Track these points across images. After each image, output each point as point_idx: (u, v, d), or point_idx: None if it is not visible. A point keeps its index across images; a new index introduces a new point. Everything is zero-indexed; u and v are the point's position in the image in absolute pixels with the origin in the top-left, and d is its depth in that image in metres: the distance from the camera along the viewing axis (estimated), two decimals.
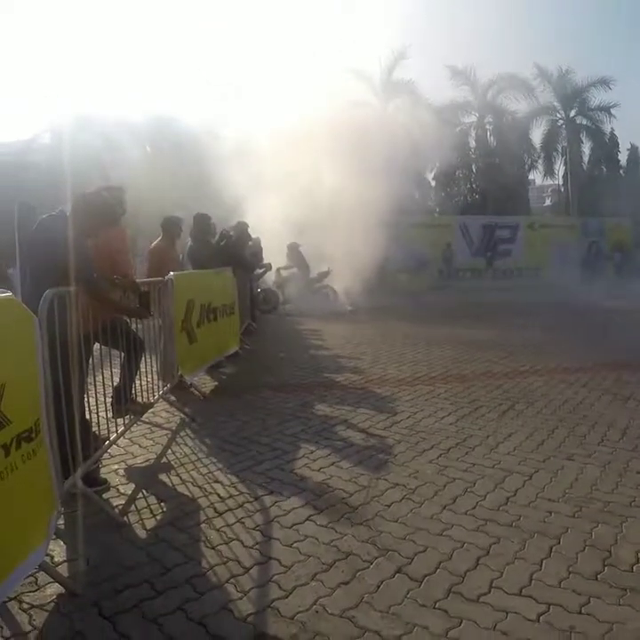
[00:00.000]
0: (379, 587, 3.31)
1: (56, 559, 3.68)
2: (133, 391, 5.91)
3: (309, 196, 18.75)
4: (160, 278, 7.00)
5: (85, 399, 4.71)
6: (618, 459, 5.38)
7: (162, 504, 4.47)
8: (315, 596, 3.22)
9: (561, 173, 44.58)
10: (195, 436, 6.14)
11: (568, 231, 33.90)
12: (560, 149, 43.12)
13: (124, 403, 5.64)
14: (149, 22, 54.81)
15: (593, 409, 7.08)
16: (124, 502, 4.53)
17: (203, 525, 4.08)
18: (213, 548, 3.74)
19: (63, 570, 3.57)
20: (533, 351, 10.91)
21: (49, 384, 3.43)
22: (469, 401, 7.43)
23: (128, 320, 5.86)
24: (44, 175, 21.50)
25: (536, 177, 47.90)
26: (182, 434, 6.23)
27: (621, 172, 45.25)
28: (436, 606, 3.14)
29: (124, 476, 5.12)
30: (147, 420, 6.50)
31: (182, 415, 6.90)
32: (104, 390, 5.62)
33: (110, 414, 5.47)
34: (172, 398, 7.42)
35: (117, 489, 4.81)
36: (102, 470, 5.12)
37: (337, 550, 3.70)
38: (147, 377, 6.41)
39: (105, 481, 4.84)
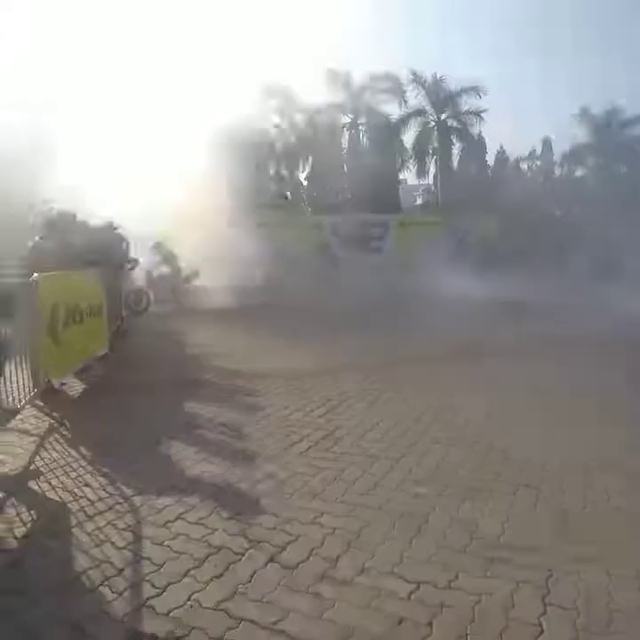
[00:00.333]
0: (252, 577, 3.34)
1: None
2: None
3: (177, 195, 18.59)
4: (24, 280, 6.80)
5: None
6: (482, 439, 5.61)
7: (32, 511, 4.35)
8: (189, 591, 3.22)
9: (432, 173, 45.74)
10: (64, 441, 5.98)
11: (437, 228, 34.79)
12: (431, 150, 44.24)
13: None
14: None
15: (458, 394, 7.35)
16: None
17: (74, 530, 3.99)
18: (86, 552, 3.66)
19: None
20: (401, 342, 11.23)
21: None
22: (338, 393, 7.55)
23: None
24: None
25: (408, 177, 49.02)
26: (51, 439, 6.04)
27: (489, 172, 46.87)
28: (310, 591, 3.20)
29: None
30: (15, 427, 6.28)
31: (51, 420, 6.70)
32: None
33: None
34: (41, 403, 7.21)
35: None
36: None
37: (208, 545, 3.71)
38: (12, 382, 6.22)
39: None
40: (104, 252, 11.39)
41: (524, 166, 50.26)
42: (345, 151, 42.57)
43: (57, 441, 5.98)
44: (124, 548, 3.73)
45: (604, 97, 56.73)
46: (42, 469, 5.18)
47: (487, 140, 46.34)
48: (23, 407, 6.45)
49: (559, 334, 11.79)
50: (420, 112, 42.88)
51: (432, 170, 45.17)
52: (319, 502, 4.32)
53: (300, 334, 12.54)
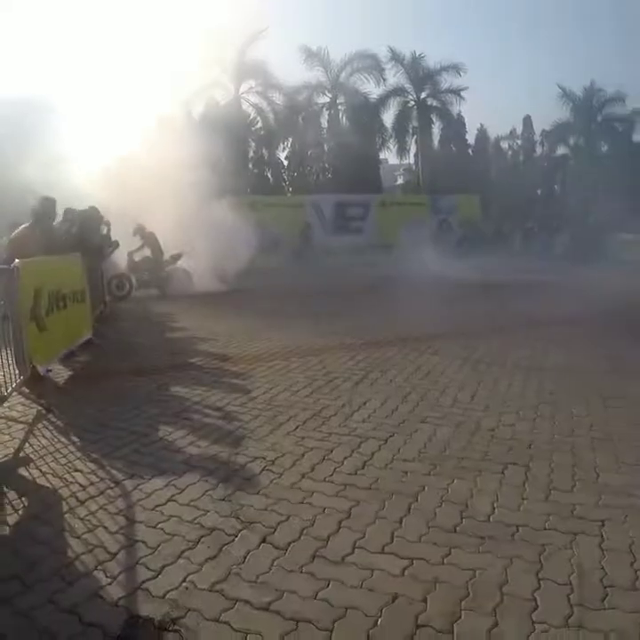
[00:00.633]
0: (245, 558, 3.36)
1: None
2: None
3: (155, 176, 18.46)
4: (3, 266, 6.77)
5: None
6: (469, 419, 5.68)
7: (23, 499, 4.33)
8: (183, 573, 3.24)
9: (412, 153, 45.72)
10: (52, 427, 5.95)
11: (418, 208, 34.85)
12: (411, 130, 44.21)
13: None
14: None
15: (444, 374, 7.40)
16: None
17: (66, 516, 3.98)
18: (78, 538, 3.66)
19: None
20: (386, 323, 11.27)
21: None
22: (324, 373, 7.58)
23: None
24: None
25: (389, 156, 49.01)
26: (40, 426, 6.00)
27: (469, 151, 46.91)
28: (303, 571, 3.22)
29: None
30: (2, 415, 6.26)
31: (38, 407, 6.65)
32: None
33: None
34: (27, 390, 7.18)
35: None
36: None
37: (201, 527, 3.72)
38: None
39: None
40: (85, 237, 11.35)
41: (504, 145, 50.37)
42: (324, 131, 42.46)
43: (45, 427, 5.94)
44: (116, 532, 3.72)
45: (584, 75, 56.65)
46: (31, 456, 5.15)
47: (467, 119, 46.40)
48: (10, 394, 6.43)
49: (538, 315, 11.91)
50: (399, 91, 42.96)
51: (413, 149, 45.16)
52: (309, 482, 4.35)
53: (283, 316, 12.57)
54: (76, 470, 4.77)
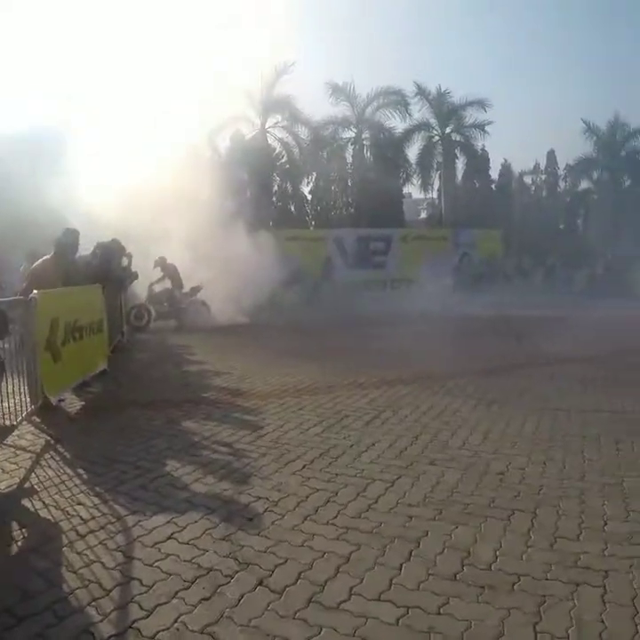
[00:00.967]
0: (239, 600, 3.31)
1: None
2: None
3: (177, 209, 18.60)
4: (21, 297, 6.83)
5: None
6: (478, 462, 5.59)
7: (23, 530, 4.32)
8: (176, 613, 3.19)
9: (436, 187, 45.85)
10: (59, 458, 5.95)
11: (440, 243, 34.80)
12: (435, 164, 44.37)
13: None
14: None
15: (457, 415, 7.33)
16: None
17: (65, 549, 3.95)
18: (75, 572, 3.63)
19: None
20: (401, 360, 11.23)
21: None
22: (335, 412, 7.54)
23: None
24: None
25: (412, 191, 49.17)
26: (47, 456, 6.01)
27: (493, 186, 46.97)
28: (296, 616, 3.16)
29: None
30: (11, 444, 6.27)
31: (47, 437, 6.67)
32: None
33: None
34: (38, 420, 7.20)
35: None
36: None
37: (198, 567, 3.68)
38: (9, 398, 6.23)
39: None
40: (107, 269, 11.45)
41: (528, 180, 50.38)
42: (349, 165, 42.67)
43: (52, 458, 5.95)
44: (113, 568, 3.69)
45: (608, 110, 56.66)
46: (36, 487, 5.14)
47: (491, 154, 46.48)
48: (20, 423, 6.46)
49: (555, 352, 11.84)
50: (424, 126, 43.13)
51: (436, 183, 45.29)
52: (311, 524, 4.29)
53: (299, 352, 12.57)
54: (79, 503, 4.74)
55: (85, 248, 11.79)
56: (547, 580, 3.48)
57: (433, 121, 43.20)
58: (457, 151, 44.36)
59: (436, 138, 43.67)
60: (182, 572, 3.62)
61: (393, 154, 42.18)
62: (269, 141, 41.07)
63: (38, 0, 40.29)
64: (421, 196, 50.35)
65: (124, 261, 14.07)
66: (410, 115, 42.35)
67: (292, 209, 42.34)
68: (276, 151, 41.30)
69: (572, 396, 8.28)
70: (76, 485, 5.16)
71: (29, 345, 6.83)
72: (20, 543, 4.13)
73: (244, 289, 18.56)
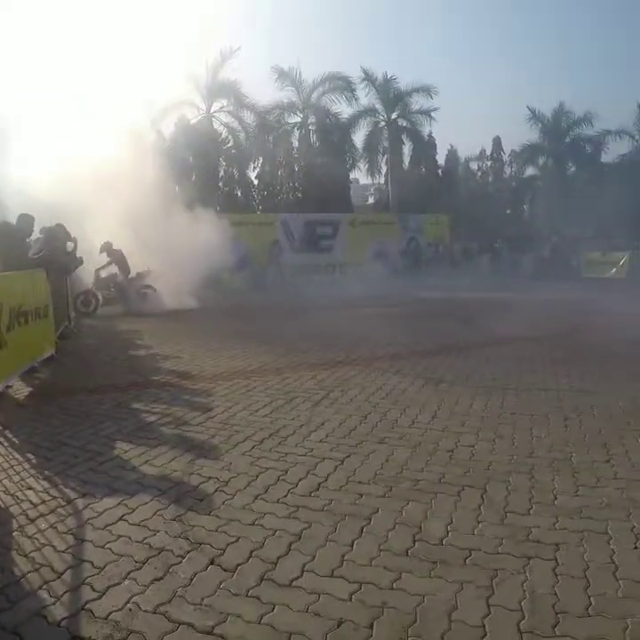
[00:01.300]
0: (191, 580, 3.30)
1: None
2: None
3: (121, 194, 18.38)
4: None
5: None
6: (428, 439, 5.63)
7: None
8: (128, 594, 3.17)
9: (383, 172, 45.95)
10: (8, 444, 5.86)
11: (388, 227, 34.91)
12: (382, 150, 44.48)
13: None
14: None
15: (406, 394, 7.37)
16: None
17: (15, 534, 3.91)
18: (26, 556, 3.59)
19: None
20: (349, 342, 11.24)
21: None
22: (284, 393, 7.54)
23: None
24: None
25: (359, 176, 49.30)
26: None
27: (440, 171, 47.26)
28: (249, 594, 3.16)
29: None
30: None
31: None
32: None
33: None
34: None
35: None
36: None
37: (149, 547, 3.65)
38: None
39: None
40: (51, 254, 11.27)
41: (474, 166, 50.82)
42: (295, 150, 42.59)
43: (1, 444, 5.86)
44: (64, 551, 3.65)
45: (553, 97, 57.36)
46: None
47: (439, 141, 46.78)
48: None
49: (501, 333, 12.02)
50: (370, 111, 43.18)
51: (383, 169, 45.40)
52: (261, 503, 4.29)
53: (247, 335, 12.54)
54: (29, 488, 4.69)
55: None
56: (498, 554, 3.51)
57: (379, 107, 43.32)
58: (404, 137, 44.53)
59: (383, 123, 43.77)
60: (134, 553, 3.60)
61: (339, 139, 42.24)
62: (215, 126, 40.85)
63: None
64: (368, 181, 50.55)
65: (70, 246, 13.85)
66: (356, 100, 42.46)
67: (239, 194, 42.15)
68: (222, 136, 41.07)
69: (520, 375, 8.37)
70: (25, 470, 5.10)
71: None
72: None
73: (191, 274, 18.44)
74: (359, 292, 21.41)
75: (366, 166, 44.96)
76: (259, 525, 3.93)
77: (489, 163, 50.37)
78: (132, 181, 18.84)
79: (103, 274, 17.74)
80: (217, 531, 3.86)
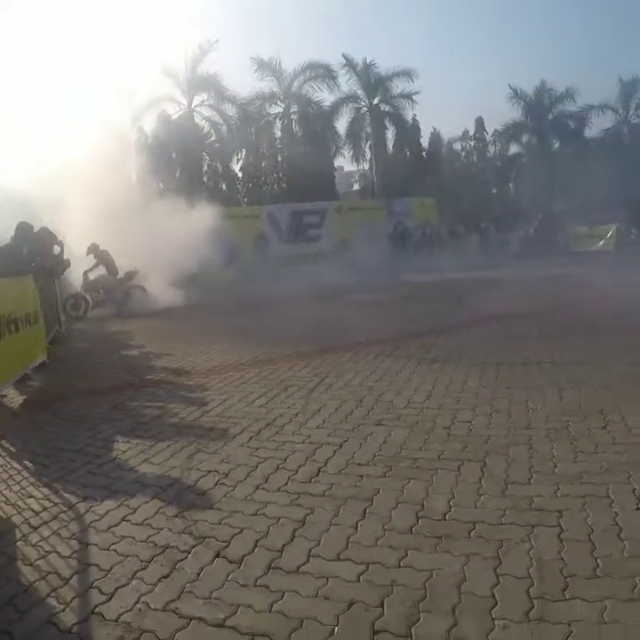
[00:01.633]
0: (199, 574, 3.30)
1: None
2: None
3: (106, 192, 18.32)
4: None
5: None
6: (425, 418, 5.66)
7: None
8: (136, 594, 3.16)
9: (367, 158, 45.89)
10: (5, 454, 5.82)
11: (374, 213, 34.89)
12: (365, 136, 44.42)
13: None
14: None
15: (400, 375, 7.41)
16: None
17: (19, 543, 3.88)
18: (31, 565, 3.57)
19: None
20: (341, 329, 11.28)
21: None
22: (278, 382, 7.55)
23: None
24: None
25: (344, 163, 49.22)
26: None
27: (424, 154, 47.18)
28: (257, 584, 3.16)
29: None
30: None
31: None
32: None
33: None
34: None
35: None
36: None
37: (154, 545, 3.65)
38: None
39: None
40: (37, 258, 11.24)
41: (457, 147, 50.77)
42: (278, 141, 42.49)
43: None
44: (69, 556, 3.64)
45: (533, 75, 57.29)
46: None
47: (422, 124, 46.70)
48: None
49: (491, 311, 12.03)
50: (351, 97, 43.08)
51: (368, 155, 45.34)
52: (262, 493, 4.29)
53: (239, 329, 12.50)
54: (29, 496, 4.66)
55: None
56: (502, 524, 3.53)
57: (360, 93, 43.25)
58: (386, 122, 44.45)
59: (365, 109, 43.70)
60: (139, 552, 3.59)
61: (322, 127, 42.15)
62: (197, 121, 40.70)
63: None
64: (353, 168, 50.51)
65: (56, 250, 13.78)
66: (338, 87, 42.36)
67: (224, 187, 42.00)
68: (204, 130, 40.93)
69: (513, 349, 8.41)
70: (24, 479, 5.07)
71: None
72: None
73: (179, 271, 18.39)
74: (348, 279, 21.40)
75: (350, 153, 44.95)
76: (262, 515, 3.93)
77: (472, 143, 50.36)
78: (114, 179, 18.79)
79: (91, 276, 17.65)
80: (220, 523, 3.86)
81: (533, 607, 2.77)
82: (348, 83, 42.74)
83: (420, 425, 5.47)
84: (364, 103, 43.46)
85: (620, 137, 42.80)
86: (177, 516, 4.04)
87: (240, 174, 43.37)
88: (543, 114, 44.59)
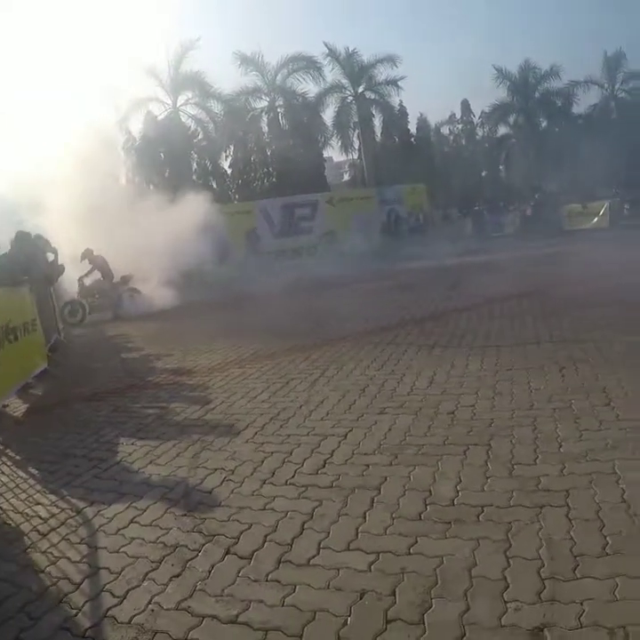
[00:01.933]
0: (210, 572, 3.30)
1: None
2: None
3: (97, 197, 18.28)
4: None
5: None
6: (428, 404, 5.65)
7: None
8: (148, 595, 3.17)
9: (356, 147, 45.86)
10: (11, 463, 5.84)
11: (366, 201, 34.88)
12: (352, 125, 44.39)
13: None
14: None
15: (401, 363, 7.40)
16: None
17: (29, 550, 3.89)
18: (42, 571, 3.57)
19: None
20: (338, 320, 11.27)
21: None
22: (280, 376, 7.55)
23: None
24: None
25: (333, 154, 49.22)
26: None
27: (412, 140, 47.17)
28: (269, 579, 3.16)
29: None
30: None
31: None
32: None
33: None
34: None
35: None
36: None
37: (164, 546, 3.65)
38: None
39: None
40: (32, 266, 11.22)
41: (445, 131, 50.77)
42: (266, 135, 42.46)
43: (4, 463, 5.83)
44: (79, 561, 3.64)
45: (518, 56, 57.11)
46: None
47: (410, 110, 46.72)
48: None
49: (491, 293, 12.00)
50: (336, 87, 43.09)
51: (356, 144, 45.31)
52: (269, 487, 4.30)
53: (237, 326, 12.50)
54: (37, 503, 4.67)
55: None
56: (510, 506, 3.53)
57: (345, 82, 43.22)
58: (373, 109, 44.45)
59: (351, 98, 43.67)
60: (149, 553, 3.60)
61: (309, 119, 42.14)
62: (183, 119, 40.69)
63: None
64: (342, 158, 50.50)
65: (50, 257, 13.77)
66: (323, 78, 42.36)
67: (214, 185, 41.96)
68: (191, 129, 40.91)
69: (512, 331, 8.43)
70: (31, 486, 5.08)
71: None
72: None
73: (173, 271, 18.37)
74: (342, 269, 21.40)
75: (339, 143, 44.94)
76: (270, 509, 3.94)
77: (460, 126, 50.36)
78: (102, 182, 18.75)
79: (87, 281, 17.65)
80: (229, 520, 3.86)
81: (545, 588, 2.77)
82: (332, 72, 42.86)
83: (424, 411, 5.47)
84: (349, 92, 43.48)
85: (608, 112, 42.80)
86: (185, 515, 4.04)
87: (230, 171, 43.36)
88: (529, 93, 44.57)
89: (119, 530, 3.97)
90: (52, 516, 4.38)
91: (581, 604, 2.64)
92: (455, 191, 40.14)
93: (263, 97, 42.20)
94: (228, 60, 42.79)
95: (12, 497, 4.91)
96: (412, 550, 3.23)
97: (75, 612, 3.13)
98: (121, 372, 9.44)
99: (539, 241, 23.85)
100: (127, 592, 3.23)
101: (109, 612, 3.07)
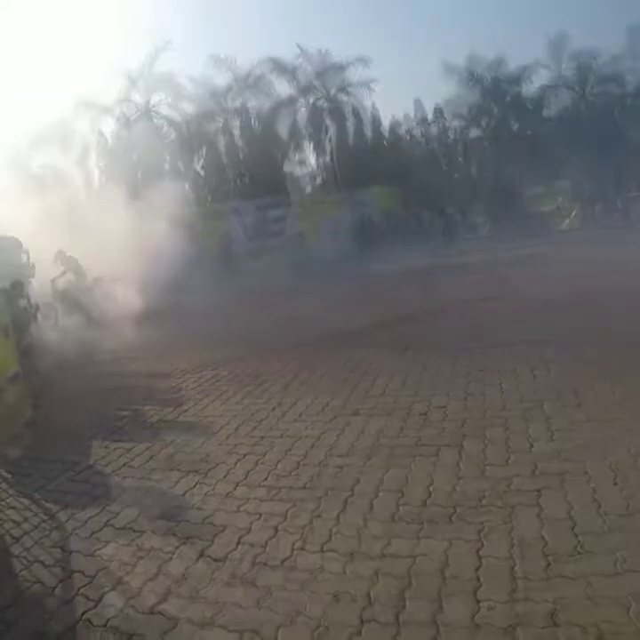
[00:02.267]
0: (184, 575, 3.31)
1: None
2: None
3: (69, 200, 18.18)
4: None
5: None
6: (400, 406, 5.69)
7: None
8: (123, 598, 3.17)
9: (328, 149, 45.80)
10: None
11: (338, 204, 34.87)
12: (324, 128, 44.34)
13: None
14: None
15: (373, 365, 7.43)
16: None
17: (1, 555, 3.87)
18: (16, 576, 3.57)
19: None
20: (311, 323, 11.20)
21: None
22: (253, 378, 7.55)
23: None
24: None
25: (305, 157, 49.15)
26: None
27: (385, 142, 47.21)
28: (243, 581, 3.17)
29: None
30: None
31: None
32: None
33: None
34: None
35: None
36: None
37: (138, 548, 3.66)
38: None
39: None
40: (4, 268, 11.15)
41: (417, 133, 50.85)
42: (238, 137, 42.37)
43: None
44: (53, 565, 3.64)
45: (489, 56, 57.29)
46: None
47: (383, 112, 46.76)
48: None
49: (463, 297, 12.03)
50: (308, 89, 43.01)
51: (327, 147, 45.27)
52: (243, 489, 4.32)
53: (210, 331, 12.41)
54: (10, 507, 4.65)
55: None
56: (482, 506, 3.57)
57: (317, 83, 43.16)
58: (346, 112, 44.44)
59: (323, 100, 43.65)
60: (123, 556, 3.60)
61: (281, 120, 42.08)
62: (155, 121, 40.50)
63: None
64: (314, 161, 50.44)
65: (23, 258, 13.66)
66: (296, 80, 42.27)
67: (187, 187, 41.80)
68: (164, 130, 40.77)
69: (484, 333, 8.45)
70: (3, 491, 5.06)
71: None
72: None
73: (147, 275, 18.28)
74: (313, 273, 21.41)
75: (311, 145, 44.88)
76: (243, 511, 3.95)
77: (434, 128, 50.49)
78: (74, 185, 18.68)
79: (60, 284, 17.48)
80: (203, 523, 3.87)
81: (517, 587, 2.81)
82: (303, 73, 42.71)
83: (397, 412, 5.50)
84: (321, 94, 43.41)
85: (579, 114, 43.10)
86: (159, 518, 4.04)
87: (202, 173, 43.22)
88: (501, 95, 44.76)
89: (93, 533, 3.97)
90: (25, 520, 4.37)
91: (554, 602, 2.67)
92: (427, 193, 40.25)
93: (236, 98, 42.08)
94: (201, 61, 42.79)
95: None
96: (385, 552, 3.26)
97: (49, 617, 3.13)
98: (95, 375, 9.41)
99: (511, 242, 23.96)
100: (102, 596, 3.23)
101: (84, 616, 3.07)
